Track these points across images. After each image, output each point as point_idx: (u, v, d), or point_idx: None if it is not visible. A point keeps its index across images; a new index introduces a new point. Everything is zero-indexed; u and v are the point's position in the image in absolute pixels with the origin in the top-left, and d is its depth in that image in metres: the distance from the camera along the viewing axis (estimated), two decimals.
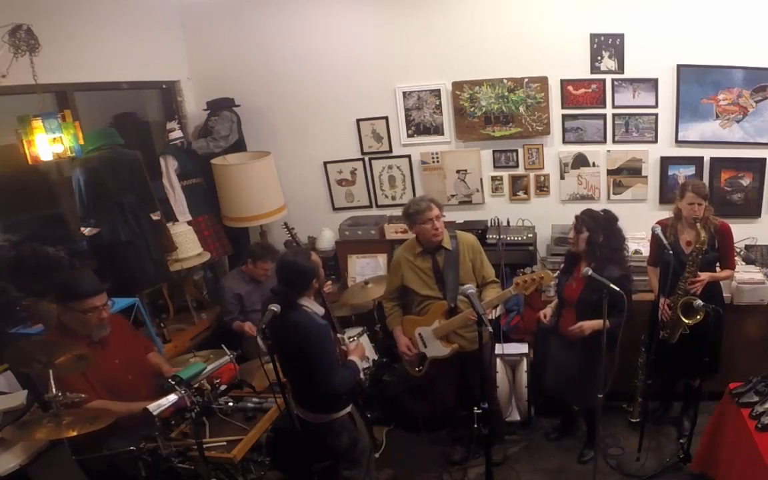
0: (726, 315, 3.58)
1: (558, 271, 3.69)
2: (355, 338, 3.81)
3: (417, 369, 3.60)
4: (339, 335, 3.26)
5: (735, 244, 3.66)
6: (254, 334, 3.79)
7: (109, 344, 2.78)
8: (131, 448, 2.46)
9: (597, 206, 4.33)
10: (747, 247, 4.09)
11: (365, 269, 4.65)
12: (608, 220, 3.35)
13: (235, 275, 4.27)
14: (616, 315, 3.03)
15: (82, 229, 3.63)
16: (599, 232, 3.30)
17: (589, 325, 3.22)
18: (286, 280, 2.83)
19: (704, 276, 3.40)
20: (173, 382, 2.66)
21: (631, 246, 4.13)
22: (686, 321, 3.35)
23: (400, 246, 3.65)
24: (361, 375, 3.15)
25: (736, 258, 3.75)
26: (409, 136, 4.68)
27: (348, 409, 3.02)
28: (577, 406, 3.81)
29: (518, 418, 4.10)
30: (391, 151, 4.75)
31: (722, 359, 3.65)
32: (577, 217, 3.35)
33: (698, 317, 3.30)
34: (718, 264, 3.52)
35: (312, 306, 2.88)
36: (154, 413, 2.49)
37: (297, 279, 2.82)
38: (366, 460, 3.17)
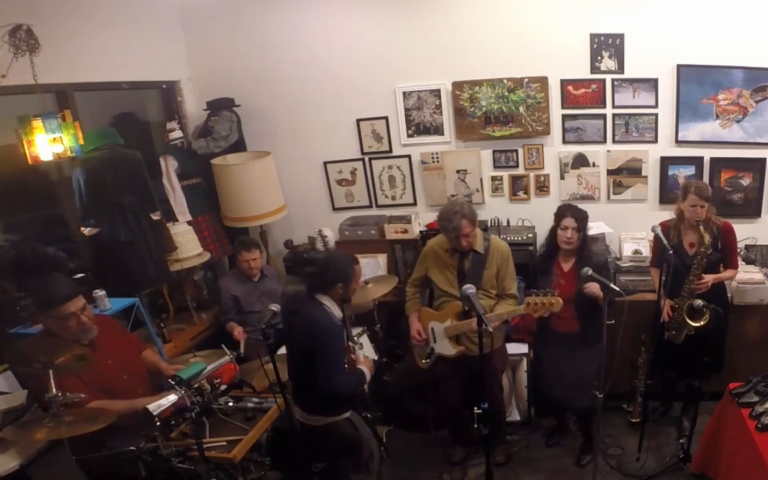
0: (729, 315, 3.59)
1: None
2: (357, 339, 3.81)
3: (424, 361, 3.61)
4: (351, 343, 3.27)
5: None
6: (241, 339, 3.88)
7: (99, 346, 2.75)
8: (131, 448, 2.46)
9: (597, 206, 4.39)
10: (747, 247, 4.09)
11: (365, 269, 4.61)
12: (587, 216, 3.45)
13: (232, 276, 4.31)
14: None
15: (82, 229, 3.62)
16: (586, 229, 3.43)
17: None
18: (319, 269, 2.94)
19: (709, 278, 3.39)
20: (173, 382, 2.66)
21: (631, 246, 4.15)
22: (692, 324, 3.36)
23: (434, 237, 3.65)
24: (366, 387, 3.17)
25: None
26: (409, 136, 4.68)
27: (346, 414, 3.01)
28: (575, 407, 3.82)
29: (518, 418, 4.11)
30: (391, 151, 4.75)
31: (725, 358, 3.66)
32: (577, 219, 3.35)
33: (703, 320, 3.31)
34: (721, 264, 3.53)
35: (332, 307, 2.89)
36: (154, 413, 2.49)
37: (327, 272, 2.89)
38: (375, 467, 3.15)
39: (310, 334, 2.78)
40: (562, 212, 3.43)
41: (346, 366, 2.99)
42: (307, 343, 2.79)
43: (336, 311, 2.91)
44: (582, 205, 3.55)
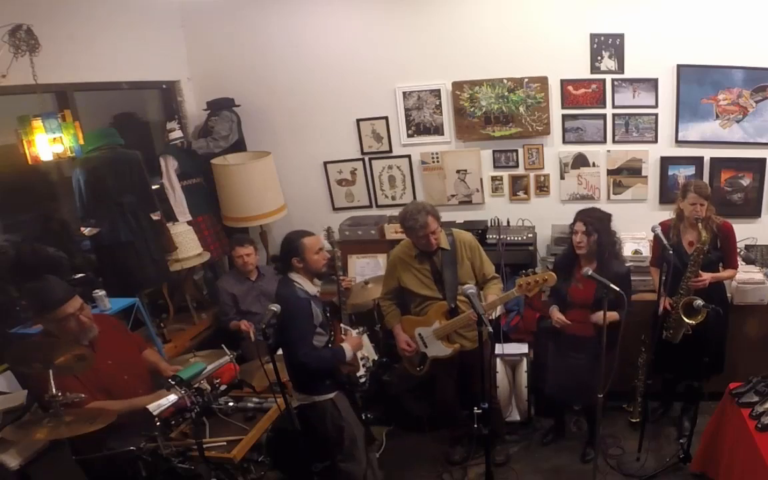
0: (729, 315, 3.58)
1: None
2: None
3: (418, 368, 3.60)
4: (342, 325, 3.29)
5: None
6: (249, 329, 3.84)
7: (99, 346, 2.73)
8: (131, 448, 2.45)
9: (597, 206, 4.36)
10: (747, 247, 4.09)
11: (365, 269, 4.65)
12: (609, 219, 3.38)
13: (230, 275, 4.32)
14: (620, 309, 3.07)
15: (82, 228, 3.63)
16: (605, 232, 3.32)
17: (604, 316, 3.10)
18: (279, 251, 3.09)
19: (706, 276, 3.39)
20: (173, 382, 2.66)
21: (631, 246, 4.14)
22: (688, 321, 3.35)
23: (396, 246, 3.64)
24: (360, 369, 3.20)
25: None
26: (409, 136, 4.68)
27: (331, 395, 3.04)
28: (581, 406, 3.81)
29: (518, 418, 4.10)
30: (391, 151, 4.75)
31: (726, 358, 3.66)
32: (586, 222, 3.30)
33: (700, 317, 3.31)
34: (721, 264, 3.52)
35: (302, 282, 3.00)
36: (154, 413, 2.49)
37: (282, 253, 3.04)
38: (360, 453, 3.17)
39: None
40: (575, 217, 3.39)
41: (330, 343, 3.06)
42: (281, 318, 2.83)
43: (308, 287, 3.02)
44: (582, 205, 3.54)
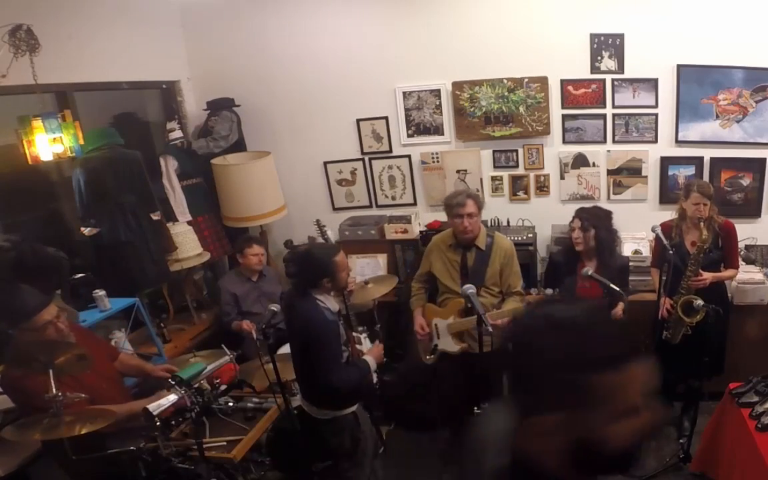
0: (729, 315, 3.58)
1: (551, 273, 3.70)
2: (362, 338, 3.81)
3: (428, 356, 3.62)
4: (354, 333, 3.27)
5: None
6: (252, 329, 3.83)
7: None
8: (131, 448, 2.46)
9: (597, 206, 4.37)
10: (747, 247, 4.09)
11: (365, 269, 4.65)
12: (607, 215, 3.44)
13: (231, 275, 4.31)
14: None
15: (82, 229, 3.63)
16: (604, 227, 3.38)
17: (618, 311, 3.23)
18: (300, 267, 2.91)
19: (707, 275, 3.39)
20: (173, 382, 2.66)
21: (631, 246, 4.15)
22: (687, 320, 3.35)
23: (437, 234, 3.70)
24: (374, 377, 3.16)
25: None
26: (409, 136, 4.67)
27: (353, 408, 3.00)
28: None
29: None
30: (391, 151, 4.75)
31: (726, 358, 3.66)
32: (581, 218, 3.36)
33: (698, 317, 3.31)
34: (723, 264, 3.53)
35: (326, 301, 2.87)
36: (154, 413, 2.49)
37: (307, 270, 2.86)
38: (368, 462, 3.15)
39: (304, 331, 2.79)
40: (574, 214, 3.46)
41: (350, 357, 2.97)
42: (303, 339, 2.80)
43: (332, 304, 2.89)
44: (582, 206, 3.55)
